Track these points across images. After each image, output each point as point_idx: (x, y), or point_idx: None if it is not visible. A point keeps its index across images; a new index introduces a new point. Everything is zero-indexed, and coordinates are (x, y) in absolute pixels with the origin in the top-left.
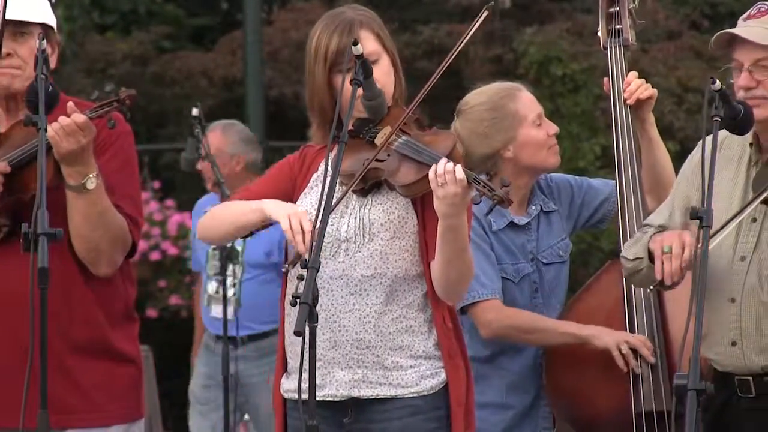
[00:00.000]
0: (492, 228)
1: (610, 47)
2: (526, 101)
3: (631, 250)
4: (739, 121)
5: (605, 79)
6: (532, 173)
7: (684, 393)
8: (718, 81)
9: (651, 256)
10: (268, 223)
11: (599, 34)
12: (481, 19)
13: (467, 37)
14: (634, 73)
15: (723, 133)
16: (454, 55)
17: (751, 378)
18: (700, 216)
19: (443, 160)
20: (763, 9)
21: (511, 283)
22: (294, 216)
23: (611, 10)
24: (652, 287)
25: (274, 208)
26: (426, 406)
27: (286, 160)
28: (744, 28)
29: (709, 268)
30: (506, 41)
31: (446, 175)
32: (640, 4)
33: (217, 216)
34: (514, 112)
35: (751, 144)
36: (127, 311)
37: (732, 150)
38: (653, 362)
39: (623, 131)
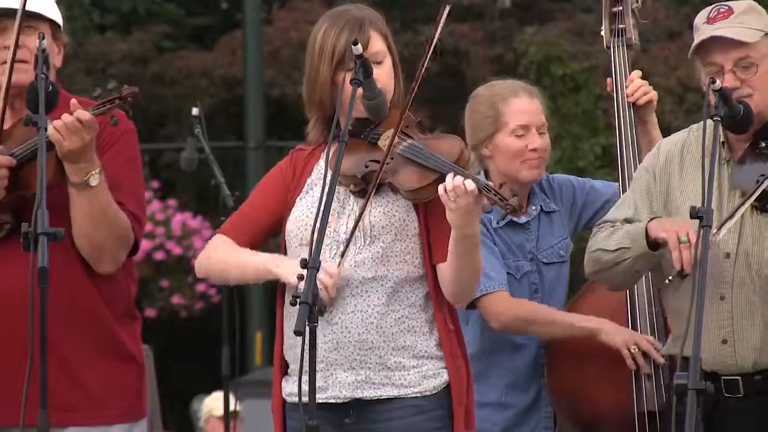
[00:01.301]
0: (492, 224)
1: (614, 47)
2: (516, 109)
3: (608, 242)
4: (739, 120)
5: (609, 79)
6: (510, 180)
7: (684, 393)
8: (718, 81)
9: (651, 244)
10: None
11: (602, 33)
12: (444, 14)
13: (437, 34)
14: (637, 73)
15: (683, 135)
16: (428, 58)
17: (740, 377)
18: (700, 215)
19: (450, 176)
20: (723, 9)
21: (513, 278)
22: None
23: (614, 9)
24: (670, 278)
25: (283, 271)
26: (428, 405)
27: (277, 169)
28: (722, 30)
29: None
30: (507, 41)
31: (456, 189)
32: (641, 3)
33: (217, 266)
34: (497, 115)
35: (723, 143)
36: (129, 309)
37: (697, 148)
38: (662, 363)
39: (626, 131)
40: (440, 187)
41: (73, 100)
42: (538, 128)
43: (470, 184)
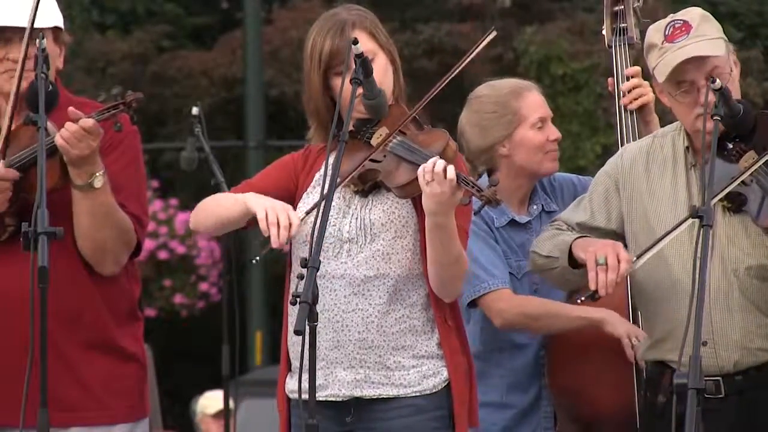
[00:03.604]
0: (494, 224)
1: (615, 46)
2: (532, 102)
3: (543, 245)
4: (739, 120)
5: (610, 79)
6: (527, 175)
7: (684, 392)
8: (717, 80)
9: (572, 261)
10: (252, 221)
11: (604, 32)
12: (488, 39)
13: (472, 55)
14: (636, 69)
15: (647, 141)
16: (457, 71)
17: (721, 378)
18: (700, 215)
19: (433, 159)
20: (678, 24)
21: (514, 277)
22: (271, 209)
23: (616, 8)
24: (582, 299)
25: (254, 200)
26: (428, 405)
27: (290, 157)
28: (686, 48)
29: (667, 270)
30: (506, 40)
31: (434, 174)
32: (642, 2)
33: (206, 208)
34: (515, 110)
35: (687, 147)
36: (131, 310)
37: (663, 154)
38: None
39: (627, 131)
40: (419, 169)
41: (71, 108)
42: (551, 120)
43: (450, 171)
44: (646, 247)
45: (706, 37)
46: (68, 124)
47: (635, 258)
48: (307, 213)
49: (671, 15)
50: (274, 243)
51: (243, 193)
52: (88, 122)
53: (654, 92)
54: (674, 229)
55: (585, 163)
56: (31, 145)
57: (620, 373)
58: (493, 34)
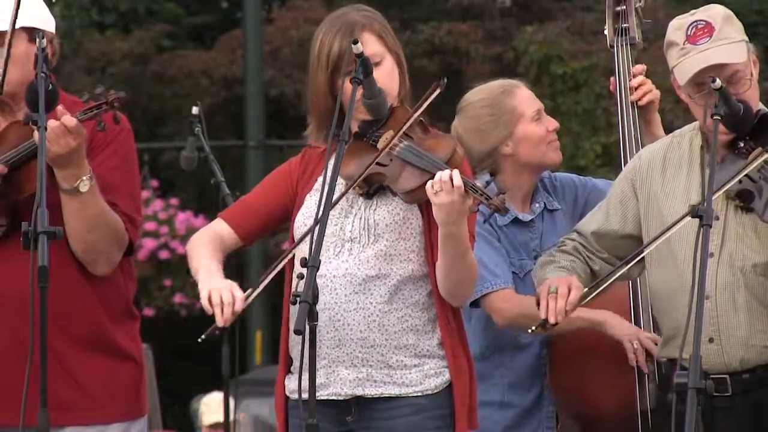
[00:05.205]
0: (498, 223)
1: (617, 46)
2: (524, 97)
3: (539, 272)
4: (739, 119)
5: (612, 78)
6: (533, 170)
7: (684, 391)
8: (718, 80)
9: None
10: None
11: (606, 32)
12: (434, 95)
13: (421, 109)
14: (641, 67)
15: (666, 140)
16: (413, 118)
17: (728, 376)
18: (700, 215)
19: (440, 171)
20: (701, 25)
21: (517, 276)
22: (215, 290)
23: (618, 8)
24: (533, 328)
25: (203, 278)
26: (429, 404)
27: (287, 165)
28: (708, 53)
29: (675, 268)
30: (506, 40)
31: (442, 183)
32: (643, 3)
33: (189, 253)
34: (512, 108)
35: (702, 147)
36: (127, 308)
37: (679, 153)
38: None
39: (628, 130)
40: (428, 183)
41: (60, 107)
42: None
43: (458, 180)
44: (598, 280)
45: (728, 41)
46: (51, 121)
47: (588, 288)
48: (253, 292)
49: (692, 11)
50: (219, 322)
51: (199, 264)
52: (71, 121)
53: (658, 89)
54: (660, 236)
55: (585, 163)
56: (19, 145)
57: (621, 373)
58: (438, 90)
